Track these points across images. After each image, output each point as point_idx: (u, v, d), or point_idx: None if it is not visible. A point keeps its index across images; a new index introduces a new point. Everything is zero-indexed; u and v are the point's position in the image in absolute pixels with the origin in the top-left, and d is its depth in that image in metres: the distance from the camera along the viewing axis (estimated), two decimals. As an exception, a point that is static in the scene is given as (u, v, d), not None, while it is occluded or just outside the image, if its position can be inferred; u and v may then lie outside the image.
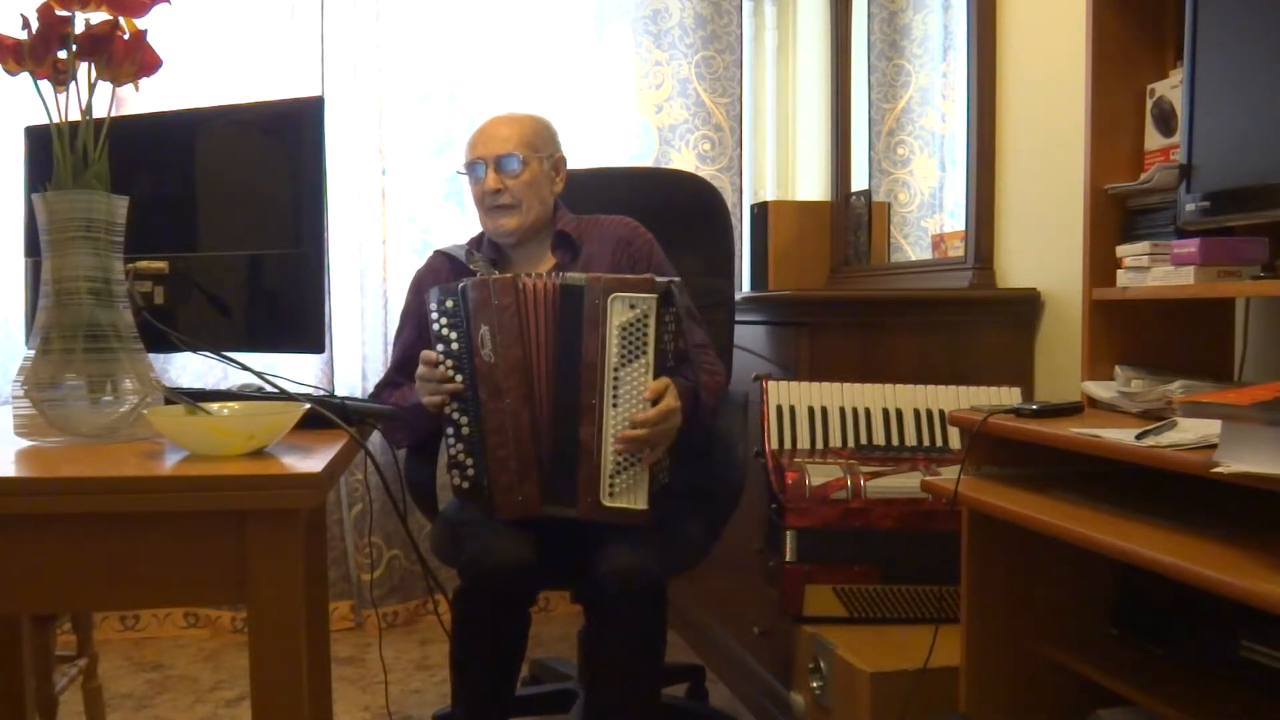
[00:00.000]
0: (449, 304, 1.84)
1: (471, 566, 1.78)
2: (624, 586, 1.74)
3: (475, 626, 1.80)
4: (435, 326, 1.85)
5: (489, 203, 2.02)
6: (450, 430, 1.84)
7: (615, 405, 1.78)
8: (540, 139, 2.05)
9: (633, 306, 1.78)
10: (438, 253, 2.15)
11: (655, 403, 1.78)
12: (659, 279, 1.81)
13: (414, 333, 2.09)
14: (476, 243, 2.14)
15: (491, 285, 1.83)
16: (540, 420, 1.82)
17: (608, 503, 1.79)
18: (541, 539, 1.85)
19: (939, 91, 2.85)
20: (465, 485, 1.84)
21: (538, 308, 1.84)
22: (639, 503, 1.79)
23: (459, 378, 1.83)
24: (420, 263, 2.18)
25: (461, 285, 1.85)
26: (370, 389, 3.12)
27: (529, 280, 1.85)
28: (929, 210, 2.91)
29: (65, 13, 1.34)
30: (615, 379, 1.78)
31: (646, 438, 1.77)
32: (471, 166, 2.04)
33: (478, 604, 1.78)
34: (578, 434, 1.80)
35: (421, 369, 1.86)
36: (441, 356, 1.84)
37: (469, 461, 1.84)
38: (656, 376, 1.79)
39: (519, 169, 2.00)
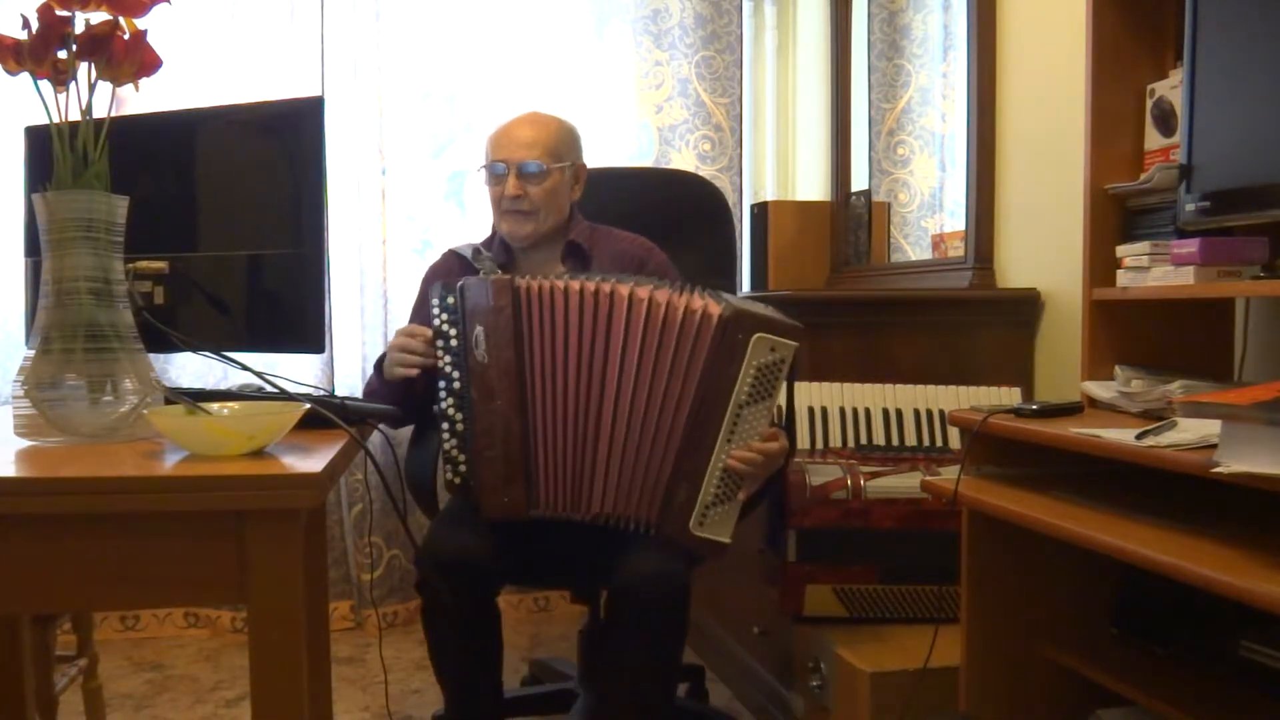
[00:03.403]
0: (449, 300, 1.83)
1: (423, 559, 1.80)
2: (651, 590, 1.72)
3: (437, 619, 1.82)
4: (436, 323, 1.83)
5: (507, 206, 2.01)
6: (445, 425, 1.82)
7: (730, 440, 1.75)
8: (564, 146, 2.04)
9: (773, 350, 1.74)
10: (450, 251, 2.14)
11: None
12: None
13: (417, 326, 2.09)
14: (488, 243, 2.13)
15: (490, 286, 1.79)
16: (543, 426, 1.79)
17: (697, 532, 1.76)
18: (538, 537, 1.85)
19: (939, 91, 2.85)
20: (457, 480, 1.83)
21: (610, 317, 1.76)
22: (724, 536, 1.77)
23: (457, 375, 1.82)
24: (420, 262, 2.18)
25: (460, 284, 1.83)
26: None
27: (604, 285, 1.77)
28: (929, 210, 2.91)
29: (65, 13, 1.33)
30: (737, 416, 1.75)
31: (751, 473, 1.75)
32: (493, 167, 2.02)
33: (433, 594, 1.80)
34: (683, 461, 1.75)
35: (398, 340, 1.87)
36: (441, 352, 1.82)
37: (461, 458, 1.82)
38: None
39: (541, 177, 1.99)
